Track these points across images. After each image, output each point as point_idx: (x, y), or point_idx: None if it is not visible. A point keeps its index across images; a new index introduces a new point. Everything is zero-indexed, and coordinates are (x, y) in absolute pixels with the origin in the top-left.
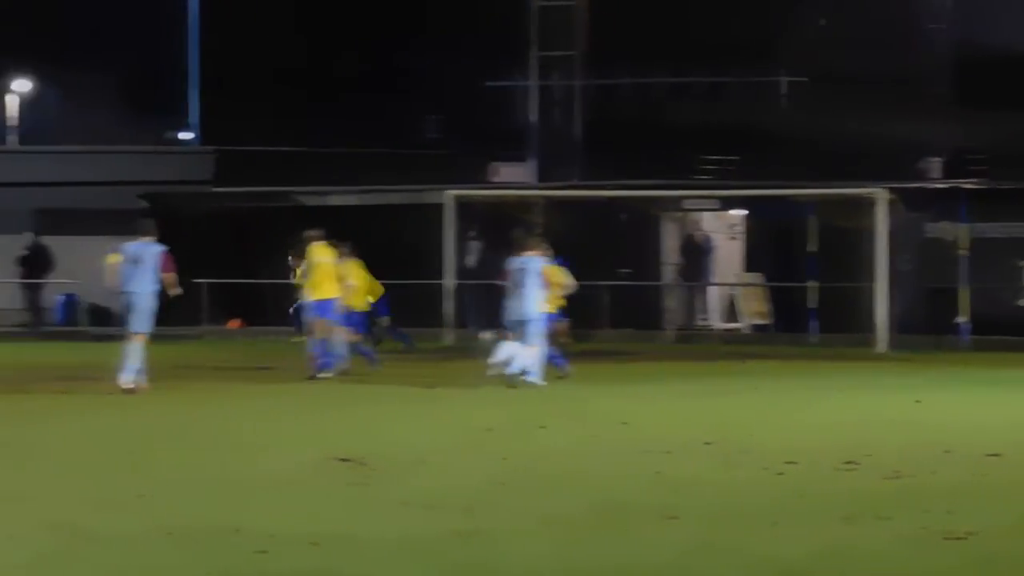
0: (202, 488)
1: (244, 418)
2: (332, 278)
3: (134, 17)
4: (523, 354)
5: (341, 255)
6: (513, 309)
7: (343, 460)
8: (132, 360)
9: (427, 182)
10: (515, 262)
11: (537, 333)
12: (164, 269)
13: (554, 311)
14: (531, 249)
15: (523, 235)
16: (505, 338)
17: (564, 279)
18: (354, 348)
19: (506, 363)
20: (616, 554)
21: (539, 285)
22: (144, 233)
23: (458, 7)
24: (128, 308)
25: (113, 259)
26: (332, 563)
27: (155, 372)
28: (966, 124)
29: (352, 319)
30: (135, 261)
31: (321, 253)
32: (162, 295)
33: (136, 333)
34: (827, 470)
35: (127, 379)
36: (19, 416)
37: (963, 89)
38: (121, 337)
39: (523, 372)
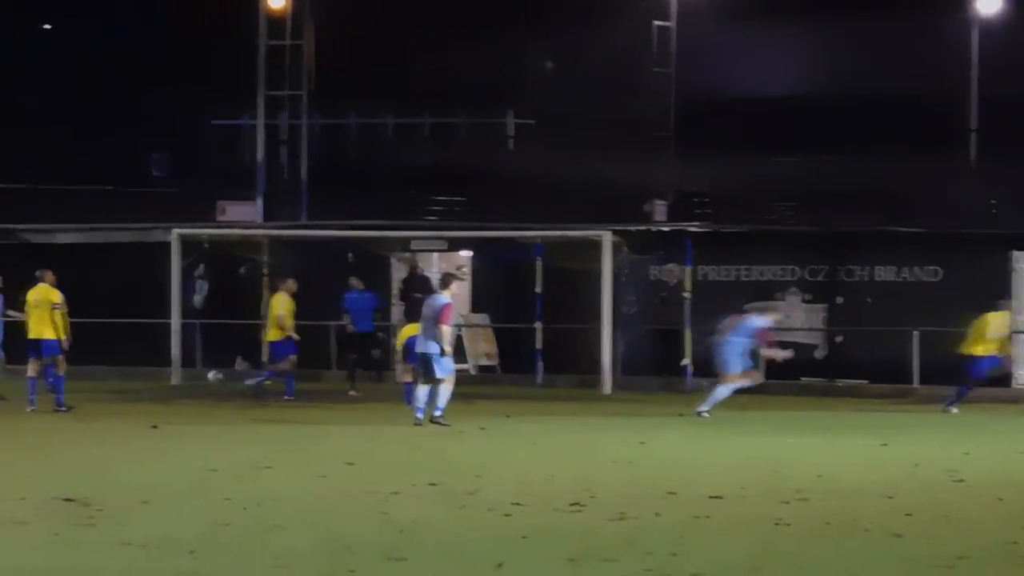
0: None
1: None
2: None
3: None
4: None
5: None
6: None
7: (67, 500)
8: None
9: (154, 220)
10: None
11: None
12: None
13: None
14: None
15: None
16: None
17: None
18: None
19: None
20: None
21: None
22: None
23: (187, 46)
24: None
25: None
26: None
27: None
28: (690, 167)
29: None
30: None
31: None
32: None
33: None
34: (552, 512)
35: None
36: None
37: (687, 133)
38: None
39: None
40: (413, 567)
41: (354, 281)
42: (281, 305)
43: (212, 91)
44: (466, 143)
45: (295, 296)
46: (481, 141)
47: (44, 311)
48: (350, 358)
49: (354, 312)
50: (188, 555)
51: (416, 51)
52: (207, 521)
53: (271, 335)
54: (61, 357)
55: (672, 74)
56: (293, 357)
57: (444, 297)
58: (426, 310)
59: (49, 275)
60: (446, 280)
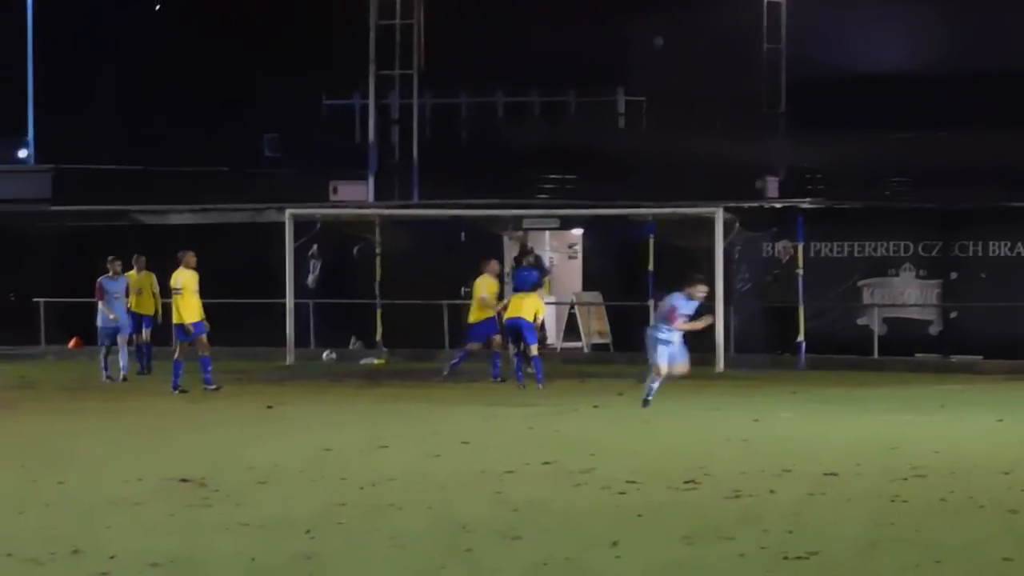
0: (40, 509)
1: (84, 437)
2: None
3: None
4: None
5: None
6: None
7: (183, 481)
8: None
9: (266, 201)
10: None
11: None
12: None
13: None
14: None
15: None
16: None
17: None
18: None
19: None
20: (458, 573)
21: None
22: None
23: (299, 26)
24: None
25: None
26: None
27: None
28: (802, 143)
29: None
30: None
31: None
32: None
33: None
34: (667, 490)
35: None
36: None
37: (799, 109)
38: None
39: None
40: (528, 546)
41: (530, 258)
42: (484, 287)
43: (324, 71)
44: (577, 121)
45: (499, 276)
46: (592, 119)
47: (178, 295)
48: None
49: (520, 288)
50: (304, 535)
51: (526, 29)
52: (323, 501)
53: (472, 316)
54: (183, 342)
55: (783, 50)
56: (497, 338)
57: (676, 297)
58: (662, 304)
59: (187, 257)
60: (690, 280)
